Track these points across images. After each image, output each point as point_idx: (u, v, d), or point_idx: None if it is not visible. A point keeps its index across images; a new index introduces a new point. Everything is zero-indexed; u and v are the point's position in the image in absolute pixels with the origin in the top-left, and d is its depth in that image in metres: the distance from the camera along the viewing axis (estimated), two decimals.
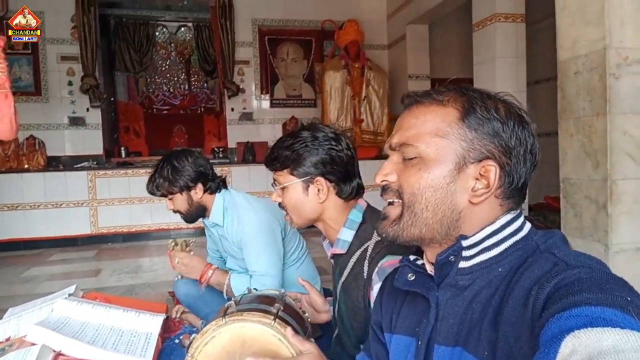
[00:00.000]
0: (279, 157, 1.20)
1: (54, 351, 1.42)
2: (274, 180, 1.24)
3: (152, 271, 3.98)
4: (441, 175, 0.68)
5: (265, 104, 6.38)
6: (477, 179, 0.68)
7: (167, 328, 2.06)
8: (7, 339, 1.71)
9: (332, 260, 1.26)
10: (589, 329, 0.46)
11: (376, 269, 1.05)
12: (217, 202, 1.93)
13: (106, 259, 4.52)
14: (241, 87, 6.16)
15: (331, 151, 1.18)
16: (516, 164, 0.68)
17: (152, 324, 1.81)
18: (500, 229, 0.67)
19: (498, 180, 0.67)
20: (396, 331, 0.78)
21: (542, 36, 5.22)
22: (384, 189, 0.74)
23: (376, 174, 0.74)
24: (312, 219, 1.22)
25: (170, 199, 1.91)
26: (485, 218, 0.68)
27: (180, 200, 1.89)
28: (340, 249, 1.18)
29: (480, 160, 0.67)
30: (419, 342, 0.71)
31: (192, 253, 1.90)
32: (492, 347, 0.60)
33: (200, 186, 1.88)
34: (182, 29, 7.72)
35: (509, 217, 0.68)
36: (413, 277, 0.74)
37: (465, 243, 0.67)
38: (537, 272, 0.59)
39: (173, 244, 1.90)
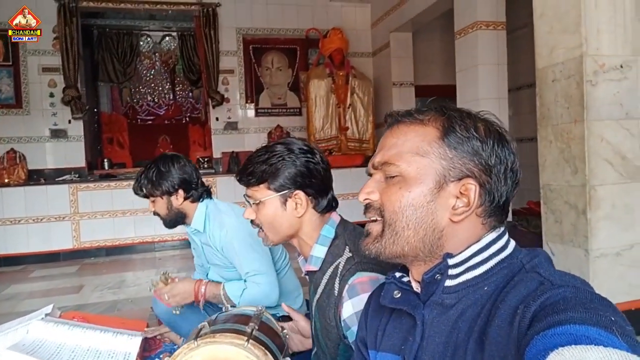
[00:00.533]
0: (254, 171, 1.17)
1: None
2: (247, 196, 1.21)
3: (135, 285, 3.91)
4: (422, 194, 0.68)
5: (251, 113, 6.36)
6: (457, 197, 0.68)
7: (147, 347, 2.02)
8: None
9: (307, 277, 1.23)
10: (573, 346, 0.46)
11: (346, 286, 1.04)
12: (199, 210, 1.93)
13: (88, 275, 4.44)
14: (226, 96, 6.13)
15: (308, 163, 1.16)
16: (496, 182, 0.69)
17: (131, 343, 1.77)
18: (486, 247, 0.68)
19: (478, 199, 0.68)
20: (381, 349, 0.77)
21: (523, 43, 5.29)
22: (367, 207, 0.75)
23: (359, 192, 0.75)
24: (289, 234, 1.19)
25: (152, 201, 1.92)
26: (468, 237, 0.69)
27: (161, 204, 1.90)
28: (314, 266, 1.16)
29: (460, 179, 0.68)
30: None
31: (177, 280, 1.86)
32: None
33: (181, 193, 1.89)
34: (167, 38, 7.67)
35: (493, 235, 0.69)
36: (399, 295, 0.74)
37: (451, 261, 0.68)
38: (523, 291, 0.60)
39: (154, 284, 1.86)
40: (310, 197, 1.16)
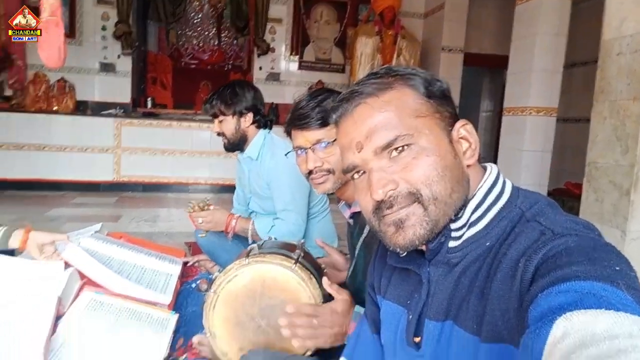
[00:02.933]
0: (311, 115, 1.16)
1: (81, 280, 1.49)
2: (301, 147, 1.20)
3: (169, 221, 4.07)
4: (447, 152, 0.65)
5: (294, 65, 6.32)
6: (463, 140, 0.68)
7: (185, 273, 2.14)
8: None
9: (350, 220, 1.25)
10: (582, 310, 0.45)
11: None
12: (258, 137, 2.03)
13: (126, 206, 4.63)
14: (271, 46, 6.09)
15: None
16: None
17: (173, 267, 1.88)
18: (483, 199, 0.66)
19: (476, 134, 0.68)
20: (387, 297, 0.79)
21: (585, 17, 5.01)
22: (390, 205, 0.64)
23: (371, 194, 0.65)
24: None
25: (220, 121, 2.01)
26: (476, 180, 0.68)
27: (229, 124, 2.00)
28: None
29: (454, 124, 0.68)
30: (410, 316, 0.72)
31: (212, 208, 1.96)
32: (480, 320, 0.60)
33: (250, 115, 2.00)
34: None
35: (488, 182, 0.67)
36: (404, 253, 0.70)
37: (453, 225, 0.66)
38: (524, 242, 0.58)
39: (192, 207, 1.96)
40: None
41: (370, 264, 0.88)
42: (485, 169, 0.69)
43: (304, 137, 1.19)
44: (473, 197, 0.66)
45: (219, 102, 1.98)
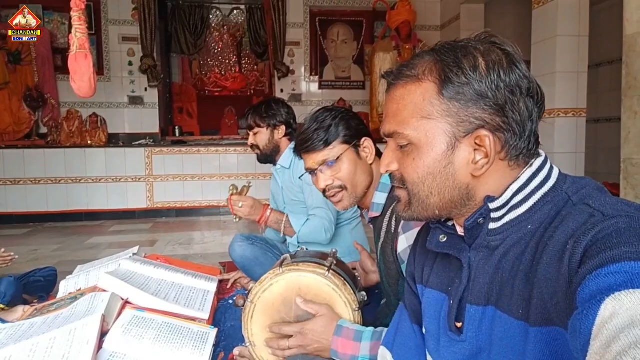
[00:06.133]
0: (315, 137, 1.21)
1: (122, 299, 1.54)
2: (311, 169, 1.26)
3: (203, 244, 4.15)
4: (436, 160, 0.65)
5: (314, 85, 6.42)
6: (475, 149, 0.64)
7: (221, 290, 2.18)
8: (79, 290, 1.85)
9: (371, 225, 1.28)
10: (631, 290, 0.44)
11: (402, 222, 1.08)
12: (290, 148, 2.12)
13: (161, 231, 4.74)
14: (291, 68, 6.22)
15: (357, 116, 1.27)
16: (514, 117, 0.63)
17: (209, 284, 1.92)
18: (527, 183, 0.64)
19: (497, 145, 0.64)
20: (429, 285, 0.78)
21: (605, 17, 4.95)
22: (392, 177, 0.74)
23: (380, 164, 0.75)
24: (366, 185, 1.23)
25: (255, 133, 2.15)
26: (500, 181, 0.66)
27: (263, 135, 2.13)
28: (376, 212, 1.21)
29: (471, 132, 0.64)
30: (452, 302, 0.71)
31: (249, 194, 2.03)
32: (527, 304, 0.59)
33: (283, 128, 2.14)
34: (235, 11, 7.85)
35: (533, 168, 0.65)
36: (445, 239, 0.73)
37: (493, 205, 0.65)
38: (572, 225, 0.57)
39: (233, 189, 2.00)
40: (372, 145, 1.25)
41: (409, 255, 0.88)
42: (529, 163, 0.67)
43: (312, 159, 1.24)
44: (516, 180, 0.65)
45: (254, 115, 2.13)
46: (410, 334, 0.84)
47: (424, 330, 0.80)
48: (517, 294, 0.61)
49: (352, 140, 1.21)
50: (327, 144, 1.21)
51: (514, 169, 0.66)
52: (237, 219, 2.00)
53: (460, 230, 0.72)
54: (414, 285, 0.85)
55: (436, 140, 0.65)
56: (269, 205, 2.03)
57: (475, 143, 0.64)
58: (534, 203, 0.63)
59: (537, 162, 0.66)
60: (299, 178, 1.76)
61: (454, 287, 0.71)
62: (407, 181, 0.69)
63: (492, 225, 0.66)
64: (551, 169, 0.66)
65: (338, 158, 1.20)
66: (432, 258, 0.80)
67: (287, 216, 1.97)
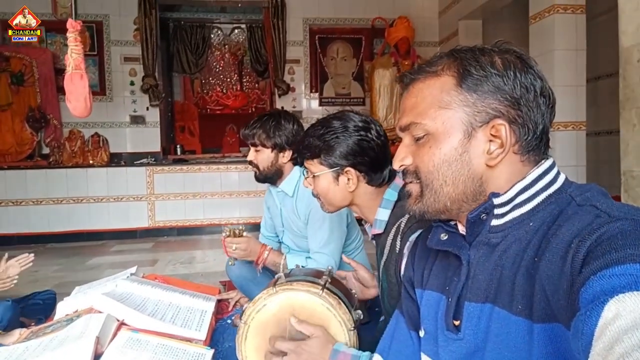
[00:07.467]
0: (309, 146, 1.24)
1: (118, 320, 1.53)
2: (306, 168, 1.29)
3: (204, 262, 4.13)
4: (452, 148, 0.67)
5: (315, 102, 6.45)
6: (490, 140, 0.66)
7: (220, 309, 2.15)
8: (75, 312, 1.84)
9: (374, 242, 1.28)
10: (634, 292, 0.44)
11: (407, 243, 1.06)
12: (294, 173, 1.94)
13: (162, 251, 4.73)
14: (291, 85, 6.27)
15: (362, 142, 1.19)
16: (528, 113, 0.66)
17: (207, 304, 1.90)
18: (532, 184, 0.66)
19: (512, 136, 0.66)
20: (427, 287, 0.78)
21: (603, 30, 4.97)
22: (404, 173, 0.75)
23: (393, 161, 0.76)
24: (343, 205, 1.27)
25: (257, 151, 1.91)
26: (510, 176, 0.67)
27: (266, 156, 1.90)
28: (378, 229, 1.20)
29: (488, 122, 0.66)
30: (449, 300, 0.71)
31: (245, 235, 1.93)
32: (528, 301, 0.59)
33: (289, 153, 1.89)
34: (236, 30, 7.97)
35: (540, 170, 0.66)
36: (446, 237, 0.74)
37: (497, 201, 0.66)
38: (577, 224, 0.57)
39: (227, 232, 1.96)
40: (362, 174, 1.20)
41: (407, 260, 0.88)
42: (539, 163, 0.68)
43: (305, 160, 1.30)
44: (523, 179, 0.66)
45: (260, 132, 1.87)
46: (406, 341, 0.83)
47: (422, 333, 0.79)
48: (519, 290, 0.61)
49: (334, 166, 1.20)
50: (311, 157, 1.25)
51: (525, 164, 0.67)
52: (232, 262, 1.92)
53: (461, 229, 0.73)
54: (412, 291, 0.85)
55: (453, 129, 0.67)
56: (266, 246, 1.90)
57: (491, 134, 0.66)
58: (538, 203, 0.65)
59: (546, 164, 0.67)
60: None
61: (452, 286, 0.72)
62: (421, 171, 0.70)
63: (494, 222, 0.67)
64: (558, 173, 0.68)
65: (314, 175, 1.25)
66: (431, 260, 0.80)
67: (285, 258, 1.86)
